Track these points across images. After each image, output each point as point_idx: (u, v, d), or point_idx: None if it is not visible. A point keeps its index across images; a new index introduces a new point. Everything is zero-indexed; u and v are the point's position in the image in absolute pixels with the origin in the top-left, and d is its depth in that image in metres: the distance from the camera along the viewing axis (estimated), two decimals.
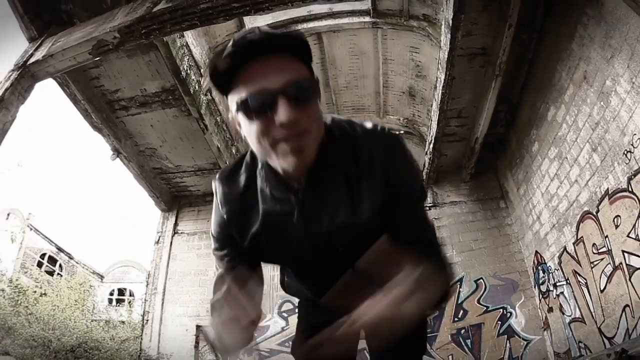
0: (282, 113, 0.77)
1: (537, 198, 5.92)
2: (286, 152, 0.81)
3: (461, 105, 5.95)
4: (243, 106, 0.81)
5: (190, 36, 5.89)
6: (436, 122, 6.17)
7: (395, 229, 0.97)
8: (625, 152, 3.86)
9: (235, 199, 1.02)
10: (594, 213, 4.51)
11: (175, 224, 8.09)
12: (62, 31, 4.73)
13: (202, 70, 6.24)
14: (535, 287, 6.33)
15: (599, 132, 4.27)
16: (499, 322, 6.33)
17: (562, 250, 5.38)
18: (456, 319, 6.47)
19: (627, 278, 4.02)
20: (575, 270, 5.10)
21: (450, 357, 6.23)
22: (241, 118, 0.84)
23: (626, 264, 4.02)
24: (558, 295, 5.63)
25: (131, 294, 20.76)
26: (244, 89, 0.80)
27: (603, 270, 4.46)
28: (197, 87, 6.01)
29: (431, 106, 6.62)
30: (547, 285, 5.93)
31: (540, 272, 6.09)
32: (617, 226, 4.13)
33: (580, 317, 5.07)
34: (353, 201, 0.96)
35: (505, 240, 6.79)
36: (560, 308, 5.57)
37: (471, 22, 4.80)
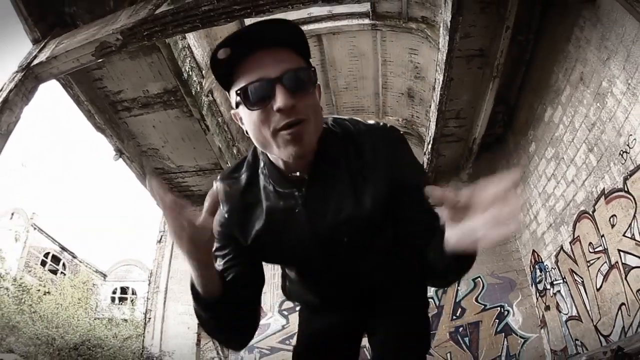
0: (280, 99, 0.78)
1: (535, 198, 5.92)
2: (286, 140, 0.81)
3: (459, 106, 5.95)
4: (242, 95, 0.82)
5: (192, 38, 5.90)
6: (434, 123, 6.17)
7: (407, 220, 0.96)
8: (621, 153, 3.86)
9: (236, 198, 1.00)
10: (591, 213, 4.52)
11: None
12: (66, 33, 4.73)
13: (203, 71, 6.24)
14: (532, 286, 6.33)
15: (595, 133, 4.27)
16: (497, 320, 6.33)
17: (558, 249, 5.38)
18: (454, 317, 6.48)
19: (623, 277, 4.02)
20: (571, 269, 5.10)
21: (448, 354, 6.23)
22: (242, 111, 0.85)
23: (622, 263, 4.02)
24: (555, 294, 5.63)
25: (133, 293, 20.77)
26: (244, 79, 0.82)
27: (599, 269, 4.46)
28: (198, 88, 6.01)
29: (429, 107, 6.63)
30: (544, 284, 5.93)
31: (538, 270, 6.09)
32: (613, 225, 4.13)
33: (576, 315, 5.07)
34: (357, 194, 0.96)
35: (503, 239, 6.79)
36: (557, 306, 5.57)
37: (469, 24, 4.80)
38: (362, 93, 7.91)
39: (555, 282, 5.60)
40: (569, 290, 5.21)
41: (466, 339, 6.32)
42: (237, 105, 0.86)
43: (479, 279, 6.56)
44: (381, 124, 1.03)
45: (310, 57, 0.92)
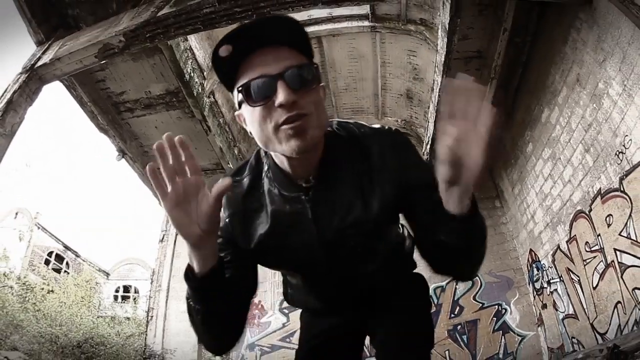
0: (281, 95, 0.77)
1: (532, 197, 5.92)
2: (288, 135, 0.80)
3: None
4: (244, 92, 0.81)
5: (193, 40, 5.90)
6: (433, 124, 6.18)
7: (424, 217, 0.92)
8: (617, 153, 3.86)
9: (238, 201, 0.98)
10: (587, 212, 4.52)
11: None
12: (69, 35, 4.73)
13: (205, 73, 6.25)
14: (529, 285, 6.33)
15: (591, 134, 4.27)
16: (494, 319, 6.34)
17: (555, 248, 5.38)
18: (452, 316, 6.48)
19: (619, 275, 4.02)
20: (568, 268, 5.10)
21: (446, 352, 6.23)
22: (244, 109, 0.84)
23: (618, 262, 4.02)
24: (552, 292, 5.63)
25: (136, 291, 20.75)
26: (246, 76, 0.81)
27: (595, 268, 4.46)
28: (200, 89, 6.01)
29: (428, 108, 6.63)
30: (541, 283, 5.93)
31: (535, 269, 6.09)
32: (609, 225, 4.13)
33: (573, 313, 5.07)
34: (364, 198, 0.94)
35: (501, 238, 6.79)
36: (554, 305, 5.57)
37: (467, 26, 4.80)
38: (362, 94, 7.91)
39: (552, 281, 5.61)
40: (566, 288, 5.22)
41: (464, 337, 6.32)
42: (240, 104, 0.85)
43: (477, 277, 6.56)
44: (386, 127, 1.01)
45: (313, 55, 0.90)
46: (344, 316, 1.27)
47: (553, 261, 5.49)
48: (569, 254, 5.06)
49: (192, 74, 5.74)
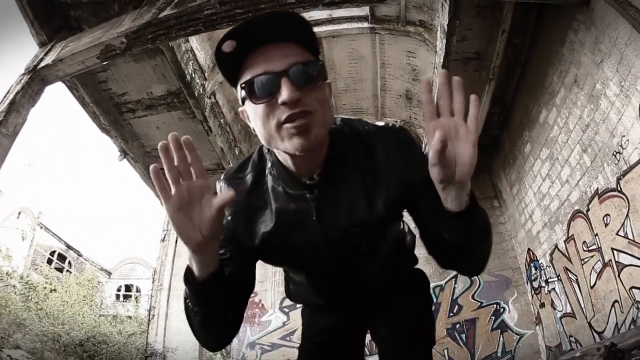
0: (285, 92, 0.75)
1: (530, 197, 5.92)
2: (291, 133, 0.77)
3: None
4: (248, 89, 0.78)
5: (194, 41, 5.89)
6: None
7: (430, 214, 0.89)
8: (615, 153, 3.86)
9: (242, 199, 0.94)
10: (585, 212, 4.52)
11: None
12: (71, 36, 4.73)
13: (206, 74, 6.24)
14: (527, 284, 6.33)
15: (589, 134, 4.27)
16: (493, 317, 6.34)
17: (553, 247, 5.38)
18: (451, 314, 6.48)
19: (616, 275, 4.02)
20: (566, 267, 5.10)
21: (445, 351, 6.23)
22: (248, 106, 0.82)
23: (615, 261, 4.02)
24: (550, 291, 5.63)
25: (138, 290, 20.76)
26: (249, 73, 0.79)
27: (593, 267, 4.46)
28: (201, 90, 6.01)
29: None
30: (539, 282, 5.93)
31: (533, 268, 6.09)
32: (606, 224, 4.13)
33: (571, 312, 5.07)
34: (369, 196, 0.93)
35: (499, 238, 6.79)
36: (552, 303, 5.57)
37: (466, 28, 4.80)
38: (361, 95, 7.91)
39: (550, 280, 5.61)
40: (564, 287, 5.22)
41: (463, 336, 6.32)
42: (244, 101, 0.83)
43: (476, 276, 6.57)
44: (391, 125, 0.99)
45: (319, 52, 0.87)
46: (346, 313, 1.26)
47: (551, 260, 5.49)
48: (566, 254, 5.06)
49: (193, 75, 5.74)
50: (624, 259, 3.88)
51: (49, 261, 18.73)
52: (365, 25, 6.37)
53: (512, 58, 5.32)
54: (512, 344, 6.09)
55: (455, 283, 6.61)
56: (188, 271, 0.80)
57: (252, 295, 1.02)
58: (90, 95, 5.73)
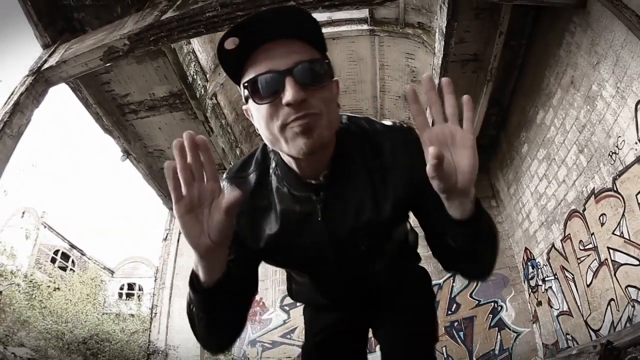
0: (289, 92, 0.71)
1: (527, 197, 5.92)
2: (295, 133, 0.73)
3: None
4: (251, 88, 0.75)
5: (196, 43, 5.89)
6: (430, 126, 6.17)
7: (436, 217, 0.85)
8: (611, 154, 3.87)
9: (245, 199, 0.88)
10: (581, 211, 4.52)
11: None
12: (75, 38, 4.73)
13: (207, 75, 6.24)
14: (524, 282, 6.33)
15: (585, 135, 4.27)
16: (491, 315, 6.33)
17: (550, 246, 5.38)
18: (449, 312, 6.48)
19: (612, 273, 4.02)
20: (562, 266, 5.10)
21: (444, 348, 6.23)
22: (251, 105, 0.79)
23: (611, 260, 4.02)
24: (546, 290, 5.63)
25: (140, 289, 20.76)
26: (252, 71, 0.75)
27: (589, 266, 4.46)
28: (203, 91, 6.01)
29: (426, 110, 6.61)
30: (536, 280, 5.93)
31: (530, 267, 6.09)
32: (602, 224, 4.13)
33: (567, 310, 5.07)
34: (376, 198, 0.89)
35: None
36: (549, 302, 5.57)
37: (464, 30, 4.80)
38: (361, 96, 7.91)
39: (546, 279, 5.60)
40: (560, 286, 5.21)
41: (461, 334, 6.32)
42: (247, 99, 0.78)
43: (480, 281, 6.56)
44: (398, 124, 0.94)
45: (326, 49, 0.81)
46: (349, 312, 1.25)
47: (548, 259, 5.49)
48: (563, 253, 5.06)
49: (195, 77, 5.73)
50: (619, 258, 3.88)
51: (53, 260, 18.72)
52: (365, 27, 6.37)
53: (509, 60, 5.32)
54: (509, 341, 6.09)
55: (453, 282, 6.61)
56: (193, 276, 0.75)
57: None
58: (93, 96, 5.73)
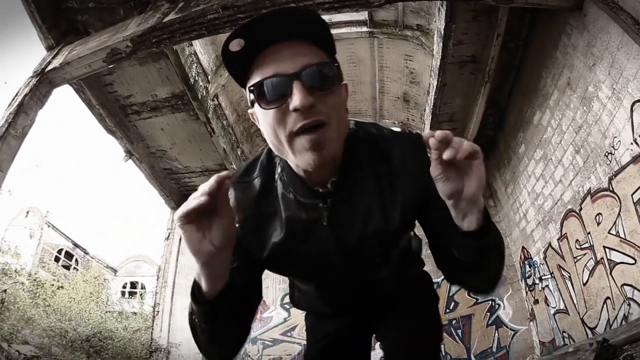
0: (297, 98, 0.66)
1: (524, 197, 5.92)
2: (304, 148, 0.70)
3: (452, 110, 5.96)
4: (257, 92, 0.71)
5: (198, 45, 5.89)
6: (429, 126, 6.18)
7: (437, 229, 0.85)
8: (607, 154, 3.86)
9: (250, 205, 0.86)
10: (577, 211, 4.51)
11: None
12: (78, 40, 4.73)
13: (209, 77, 6.25)
14: (522, 281, 6.33)
15: (581, 135, 4.27)
16: (488, 314, 6.33)
17: (547, 245, 5.38)
18: (447, 311, 6.48)
19: (608, 272, 4.02)
20: (559, 265, 5.10)
21: (442, 346, 6.23)
22: (257, 110, 0.74)
23: (607, 259, 4.02)
24: (543, 288, 5.63)
25: (143, 287, 20.75)
26: (258, 74, 0.71)
27: (585, 265, 4.46)
28: (204, 92, 6.01)
29: (424, 111, 6.63)
30: (533, 279, 5.93)
31: (527, 266, 6.09)
32: (598, 223, 4.13)
33: (564, 308, 5.07)
34: (384, 206, 0.85)
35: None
36: (546, 300, 5.57)
37: (462, 32, 4.80)
38: (360, 97, 7.91)
39: (543, 277, 5.60)
40: (557, 284, 5.21)
41: (459, 332, 6.32)
42: (253, 103, 0.75)
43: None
44: (407, 131, 0.93)
45: (335, 51, 0.77)
46: (352, 318, 1.23)
47: (545, 258, 5.49)
48: (560, 252, 5.06)
49: (196, 78, 5.74)
50: (615, 256, 3.88)
51: (56, 259, 18.72)
52: (364, 29, 6.37)
53: (506, 61, 5.32)
54: (506, 339, 6.09)
55: None
56: (195, 287, 0.72)
57: None
58: (96, 97, 5.73)
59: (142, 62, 5.37)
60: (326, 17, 6.31)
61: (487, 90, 5.39)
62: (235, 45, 0.69)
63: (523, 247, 6.16)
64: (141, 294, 19.79)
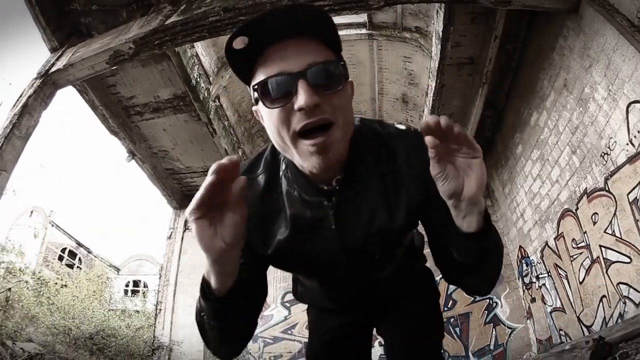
0: (302, 97, 0.64)
1: (521, 197, 5.92)
2: (309, 152, 0.68)
3: (451, 111, 5.95)
4: (261, 91, 0.69)
5: (200, 47, 5.89)
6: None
7: (437, 228, 0.83)
8: (603, 154, 3.86)
9: (254, 202, 0.83)
10: (574, 211, 4.51)
11: (186, 221, 8.05)
12: (82, 42, 4.73)
13: (211, 78, 6.25)
14: (519, 279, 6.33)
15: (578, 136, 4.27)
16: (486, 312, 6.33)
17: (544, 245, 5.38)
18: (446, 309, 6.48)
19: (604, 271, 4.02)
20: (556, 264, 5.10)
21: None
22: (261, 108, 0.72)
23: (603, 258, 4.02)
24: (540, 287, 5.63)
25: (145, 286, 20.76)
26: (263, 73, 0.69)
27: (582, 264, 4.46)
28: (206, 94, 6.01)
29: (423, 112, 6.63)
30: (530, 278, 5.93)
31: (524, 265, 6.09)
32: (595, 223, 4.13)
33: (560, 307, 5.07)
34: (389, 205, 0.84)
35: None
36: (542, 298, 5.57)
37: (460, 34, 4.80)
38: (360, 98, 7.91)
39: (540, 276, 5.60)
40: (554, 283, 5.21)
41: (457, 329, 6.32)
42: (257, 101, 0.72)
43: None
44: (413, 129, 0.89)
45: (341, 48, 0.75)
46: (355, 315, 1.22)
47: (541, 257, 5.49)
48: (556, 251, 5.06)
49: (198, 79, 5.74)
50: (611, 255, 3.88)
51: (60, 258, 18.73)
52: (364, 31, 6.37)
53: (504, 63, 5.32)
54: (504, 337, 6.09)
55: None
56: (205, 284, 0.70)
57: None
58: (99, 98, 5.73)
59: (145, 63, 5.37)
60: None
61: (485, 92, 5.39)
62: (239, 43, 0.67)
63: (520, 246, 6.16)
64: (144, 293, 19.81)
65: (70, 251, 19.55)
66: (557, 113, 4.64)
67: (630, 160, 3.49)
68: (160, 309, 7.39)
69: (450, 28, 4.65)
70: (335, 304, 1.16)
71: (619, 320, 3.80)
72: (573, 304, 4.75)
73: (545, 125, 4.94)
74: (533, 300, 5.88)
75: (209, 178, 0.57)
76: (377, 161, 0.84)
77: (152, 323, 7.99)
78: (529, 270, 5.94)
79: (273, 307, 7.14)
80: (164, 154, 7.10)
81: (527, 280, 6.05)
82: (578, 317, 4.64)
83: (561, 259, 4.95)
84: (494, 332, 6.15)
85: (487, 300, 6.38)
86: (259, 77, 0.69)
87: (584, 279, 4.45)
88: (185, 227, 8.02)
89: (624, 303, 3.75)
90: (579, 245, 4.50)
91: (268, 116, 0.71)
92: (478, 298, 6.42)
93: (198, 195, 0.58)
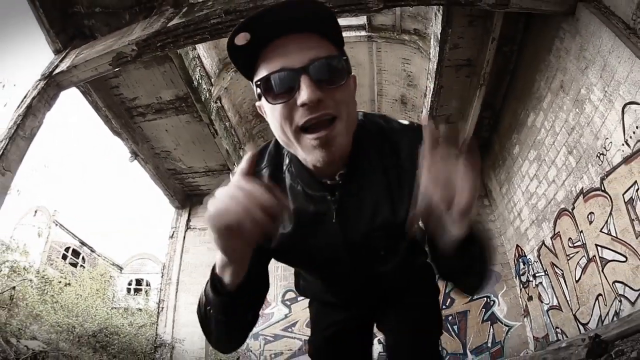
0: (304, 92, 0.63)
1: (518, 196, 5.92)
2: (312, 145, 0.67)
3: (449, 112, 5.96)
4: (264, 87, 0.68)
5: (201, 49, 5.89)
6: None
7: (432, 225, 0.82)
8: (598, 155, 3.87)
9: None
10: (570, 210, 4.52)
11: (188, 220, 8.09)
12: (85, 44, 4.73)
13: (212, 79, 6.24)
14: (516, 278, 6.33)
15: (574, 137, 4.27)
16: (483, 310, 6.33)
17: (540, 244, 5.38)
18: (444, 307, 6.48)
19: (600, 269, 4.02)
20: (552, 262, 5.10)
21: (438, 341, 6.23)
22: (264, 104, 0.71)
23: (599, 257, 4.03)
24: (537, 285, 5.63)
25: (148, 284, 20.75)
26: (265, 68, 0.68)
27: (578, 262, 4.46)
28: (207, 95, 6.01)
29: (421, 112, 6.62)
30: (527, 276, 5.93)
31: (521, 264, 6.09)
32: (591, 222, 4.13)
33: (557, 305, 5.07)
34: (392, 199, 0.83)
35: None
36: (539, 297, 5.57)
37: (458, 36, 4.80)
38: (359, 100, 7.73)
39: (537, 275, 5.60)
40: (550, 282, 5.21)
41: (455, 327, 6.32)
42: (260, 97, 0.71)
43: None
44: (416, 124, 0.86)
45: (343, 43, 0.74)
46: (357, 309, 1.22)
47: (538, 256, 5.49)
48: (553, 250, 5.06)
49: (200, 81, 5.73)
50: (607, 254, 3.88)
51: (64, 257, 18.72)
52: (363, 33, 6.37)
53: (501, 65, 5.32)
54: (501, 334, 6.09)
55: None
56: (216, 280, 0.69)
57: None
58: (102, 99, 5.73)
59: (147, 65, 5.37)
60: None
61: (483, 93, 5.39)
62: (241, 39, 0.66)
63: (517, 245, 6.16)
64: (146, 291, 19.80)
65: (73, 250, 19.55)
66: (553, 114, 4.64)
67: (626, 160, 3.49)
68: (163, 307, 7.40)
69: (448, 30, 4.65)
70: (337, 298, 1.16)
71: (615, 318, 3.80)
72: (569, 302, 4.75)
73: (542, 126, 4.94)
74: (530, 298, 5.88)
75: (241, 188, 0.57)
76: (380, 155, 0.83)
77: (155, 321, 7.99)
78: (526, 269, 5.94)
79: (274, 305, 7.14)
80: (166, 154, 7.10)
81: (524, 278, 6.05)
82: (574, 315, 4.64)
83: (558, 258, 4.95)
84: (491, 330, 6.15)
85: (485, 298, 6.39)
86: (262, 73, 0.69)
87: (580, 278, 4.45)
88: (187, 227, 8.02)
89: (620, 301, 3.75)
90: (575, 245, 4.50)
91: (271, 112, 0.70)
92: (476, 296, 6.42)
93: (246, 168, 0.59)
